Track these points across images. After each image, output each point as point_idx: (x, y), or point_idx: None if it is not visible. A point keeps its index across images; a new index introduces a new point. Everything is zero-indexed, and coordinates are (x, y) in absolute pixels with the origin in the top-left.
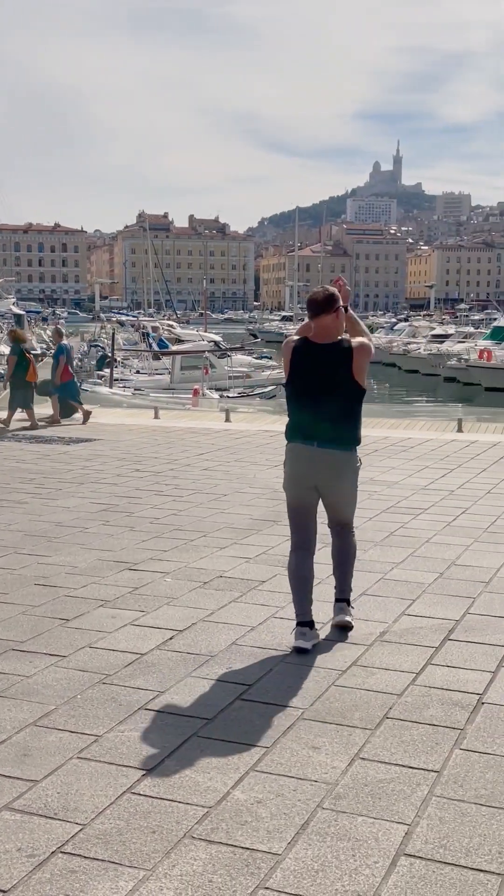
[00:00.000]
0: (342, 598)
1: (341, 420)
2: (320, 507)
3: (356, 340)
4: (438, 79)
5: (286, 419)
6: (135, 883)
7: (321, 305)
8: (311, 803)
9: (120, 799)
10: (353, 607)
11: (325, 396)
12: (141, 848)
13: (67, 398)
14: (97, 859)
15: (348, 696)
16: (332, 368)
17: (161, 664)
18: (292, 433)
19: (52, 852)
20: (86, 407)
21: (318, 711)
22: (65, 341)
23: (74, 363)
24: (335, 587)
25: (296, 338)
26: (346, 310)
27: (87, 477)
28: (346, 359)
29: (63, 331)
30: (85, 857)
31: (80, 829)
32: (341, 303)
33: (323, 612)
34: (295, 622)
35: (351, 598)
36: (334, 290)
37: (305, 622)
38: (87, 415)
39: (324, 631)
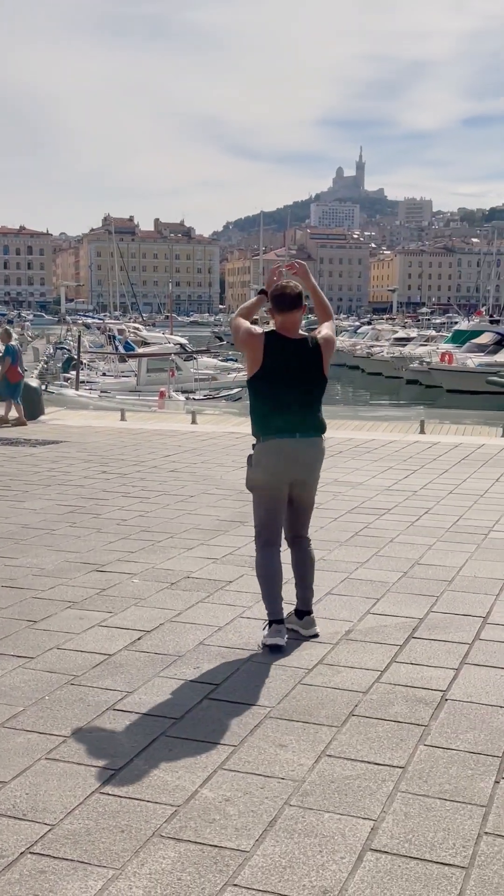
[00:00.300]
0: (308, 611)
1: (315, 409)
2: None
3: (321, 336)
4: (400, 86)
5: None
6: (104, 882)
7: (294, 302)
8: (278, 800)
9: (89, 799)
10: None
11: (301, 389)
12: (110, 847)
13: (9, 396)
14: (66, 859)
15: (314, 694)
16: (306, 363)
17: (129, 665)
18: (271, 429)
19: (21, 853)
20: (11, 417)
21: (284, 710)
22: (13, 342)
23: (41, 366)
24: (298, 598)
25: (259, 330)
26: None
27: (54, 479)
28: (318, 354)
29: (12, 332)
30: (54, 857)
31: (49, 830)
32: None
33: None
34: (267, 621)
35: (314, 602)
36: (301, 288)
37: (278, 620)
38: (5, 421)
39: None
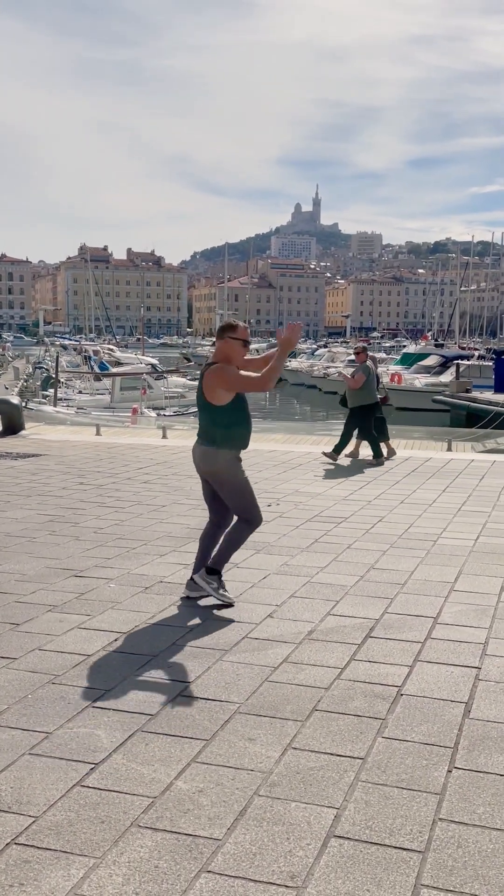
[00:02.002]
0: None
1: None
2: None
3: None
4: (352, 130)
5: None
6: (85, 871)
7: None
8: (248, 791)
9: (70, 792)
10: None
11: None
12: (91, 837)
13: None
14: (49, 849)
15: (280, 690)
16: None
17: (107, 664)
18: None
19: (7, 844)
20: None
21: (252, 705)
22: None
23: (21, 384)
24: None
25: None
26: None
27: (34, 490)
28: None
29: None
30: (38, 847)
31: (33, 822)
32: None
33: (297, 609)
34: (219, 578)
35: (279, 601)
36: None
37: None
38: None
39: (272, 629)
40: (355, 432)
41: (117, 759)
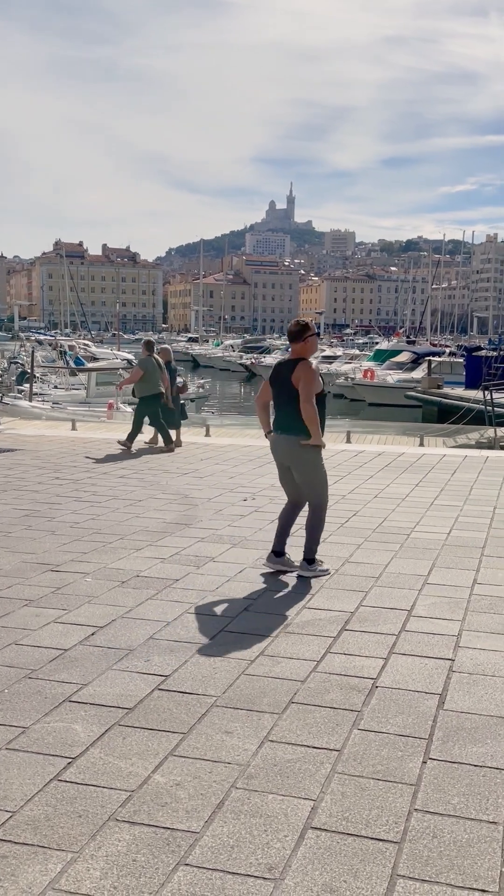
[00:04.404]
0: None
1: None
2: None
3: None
4: (326, 129)
5: (201, 430)
6: (63, 865)
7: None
8: (225, 784)
9: (47, 786)
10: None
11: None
12: (68, 832)
13: None
14: (27, 844)
15: (257, 683)
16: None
17: (83, 659)
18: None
19: None
20: None
21: (230, 699)
22: None
23: None
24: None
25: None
26: None
27: (10, 484)
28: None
29: None
30: (15, 842)
31: (10, 817)
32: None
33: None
34: (315, 562)
35: (255, 595)
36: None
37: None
38: None
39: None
40: (146, 421)
41: (94, 753)
